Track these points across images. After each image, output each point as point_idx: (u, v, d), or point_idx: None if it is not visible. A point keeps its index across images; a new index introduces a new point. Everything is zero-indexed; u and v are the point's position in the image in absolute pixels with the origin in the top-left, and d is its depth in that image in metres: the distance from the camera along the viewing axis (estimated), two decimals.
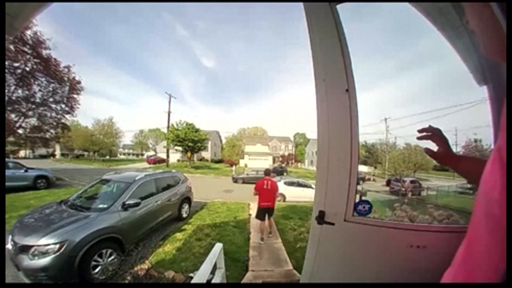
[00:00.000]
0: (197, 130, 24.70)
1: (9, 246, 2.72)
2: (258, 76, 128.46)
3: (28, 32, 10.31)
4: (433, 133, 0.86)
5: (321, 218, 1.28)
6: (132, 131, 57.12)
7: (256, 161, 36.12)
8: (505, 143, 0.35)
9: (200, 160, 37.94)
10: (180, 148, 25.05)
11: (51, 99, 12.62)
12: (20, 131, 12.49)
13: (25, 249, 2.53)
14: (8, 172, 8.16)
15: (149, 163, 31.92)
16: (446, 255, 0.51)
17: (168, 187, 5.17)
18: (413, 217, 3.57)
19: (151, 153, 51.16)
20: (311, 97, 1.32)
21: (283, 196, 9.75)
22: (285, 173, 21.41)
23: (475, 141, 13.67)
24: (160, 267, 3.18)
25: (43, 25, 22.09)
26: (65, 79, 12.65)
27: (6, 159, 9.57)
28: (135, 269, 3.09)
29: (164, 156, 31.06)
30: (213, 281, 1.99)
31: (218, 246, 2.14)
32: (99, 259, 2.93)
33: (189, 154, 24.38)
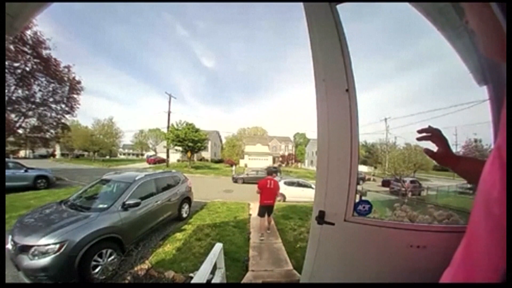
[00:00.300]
0: (197, 130, 24.70)
1: (9, 246, 2.72)
2: (258, 76, 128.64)
3: (28, 32, 10.31)
4: (432, 134, 0.86)
5: (321, 218, 1.28)
6: (132, 131, 57.24)
7: (256, 161, 36.14)
8: (505, 143, 0.35)
9: (200, 160, 37.95)
10: (180, 148, 25.06)
11: (51, 99, 12.62)
12: (20, 131, 12.49)
13: (25, 249, 2.53)
14: (8, 172, 8.16)
15: (149, 163, 31.92)
16: (446, 255, 0.50)
17: (168, 187, 5.17)
18: (413, 217, 3.57)
19: (151, 153, 51.17)
20: (311, 97, 1.32)
21: (283, 196, 9.75)
22: (278, 173, 21.30)
23: (475, 141, 13.67)
24: (160, 267, 3.18)
25: (43, 25, 22.11)
26: (65, 79, 12.65)
27: (6, 159, 9.57)
28: (135, 269, 3.09)
29: (164, 156, 31.06)
30: (213, 281, 1.99)
31: (218, 246, 2.14)
32: (99, 259, 2.93)
33: (189, 154, 24.39)
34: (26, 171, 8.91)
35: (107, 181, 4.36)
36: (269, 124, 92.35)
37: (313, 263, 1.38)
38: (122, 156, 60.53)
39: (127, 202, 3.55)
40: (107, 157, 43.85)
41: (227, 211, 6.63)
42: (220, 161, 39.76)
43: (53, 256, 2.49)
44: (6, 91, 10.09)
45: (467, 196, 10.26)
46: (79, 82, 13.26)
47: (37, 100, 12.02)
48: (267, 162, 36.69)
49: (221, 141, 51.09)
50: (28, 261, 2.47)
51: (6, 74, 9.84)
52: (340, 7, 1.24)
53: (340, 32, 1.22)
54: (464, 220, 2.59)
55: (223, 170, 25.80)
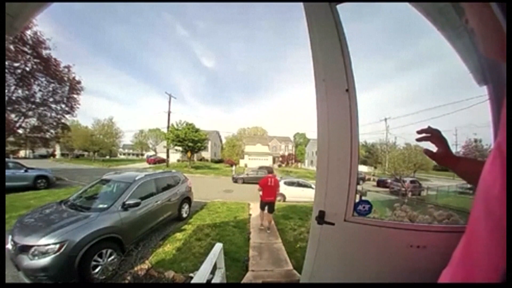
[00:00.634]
0: (197, 130, 24.69)
1: (9, 246, 2.71)
2: (258, 76, 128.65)
3: (28, 32, 10.30)
4: (432, 134, 0.86)
5: (321, 218, 1.28)
6: (132, 131, 57.20)
7: (256, 161, 36.12)
8: (505, 142, 0.35)
9: (200, 160, 37.94)
10: (180, 148, 25.04)
11: (51, 99, 12.61)
12: (20, 131, 12.48)
13: (25, 249, 2.53)
14: (8, 172, 8.15)
15: (149, 163, 31.90)
16: (446, 255, 0.51)
17: (168, 187, 5.16)
18: (413, 217, 3.58)
19: (151, 153, 51.15)
20: (311, 97, 1.32)
21: (283, 196, 9.75)
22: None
23: (475, 141, 13.67)
24: (160, 267, 3.18)
25: (43, 25, 22.12)
26: (65, 79, 12.64)
27: (6, 159, 9.56)
28: (135, 269, 3.09)
29: (164, 156, 31.05)
30: (213, 281, 1.99)
31: (218, 246, 2.14)
32: (99, 259, 2.93)
33: (189, 154, 24.38)
34: (26, 171, 8.91)
35: (107, 181, 4.36)
36: (269, 124, 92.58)
37: (313, 263, 1.38)
38: (122, 156, 60.50)
39: (127, 202, 3.55)
40: (107, 157, 43.83)
41: (227, 211, 6.63)
42: (220, 161, 39.74)
43: (53, 256, 2.49)
44: (6, 91, 10.08)
45: (467, 196, 10.26)
46: (79, 82, 13.26)
47: (37, 100, 12.01)
48: (267, 162, 36.67)
49: (221, 141, 51.07)
50: (28, 261, 2.46)
51: (6, 74, 9.83)
52: (340, 7, 1.24)
53: (340, 32, 1.22)
54: (464, 220, 2.59)
55: (223, 170, 25.80)
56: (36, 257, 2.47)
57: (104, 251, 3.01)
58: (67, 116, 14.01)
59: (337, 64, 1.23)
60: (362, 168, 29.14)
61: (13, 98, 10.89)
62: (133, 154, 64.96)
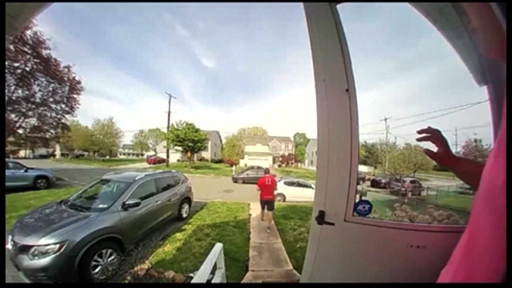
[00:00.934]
0: (197, 130, 24.68)
1: (9, 246, 2.71)
2: (258, 76, 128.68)
3: (28, 32, 10.29)
4: (432, 134, 0.86)
5: (321, 218, 1.28)
6: (132, 131, 57.13)
7: (256, 161, 36.09)
8: (505, 141, 0.35)
9: (200, 160, 37.93)
10: (180, 148, 25.03)
11: (51, 99, 12.60)
12: (20, 131, 12.47)
13: (25, 249, 2.53)
14: (8, 172, 8.15)
15: (149, 163, 31.89)
16: (446, 255, 0.50)
17: (168, 187, 5.17)
18: (413, 217, 3.58)
19: (151, 153, 51.14)
20: (311, 97, 1.32)
21: (283, 196, 9.75)
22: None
23: (475, 141, 13.68)
24: (160, 267, 3.18)
25: (43, 25, 22.13)
26: (65, 79, 12.63)
27: (6, 159, 9.56)
28: (135, 269, 3.09)
29: (164, 156, 31.04)
30: (213, 281, 1.99)
31: (218, 246, 2.14)
32: (99, 259, 2.93)
33: (189, 154, 24.37)
34: (26, 171, 8.90)
35: (107, 181, 4.36)
36: (269, 124, 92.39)
37: (313, 263, 1.38)
38: (122, 156, 60.51)
39: (127, 202, 3.55)
40: (107, 157, 43.83)
41: (227, 211, 6.63)
42: (220, 161, 39.73)
43: (53, 256, 2.49)
44: (6, 91, 10.08)
45: (467, 196, 10.27)
46: (79, 82, 13.25)
47: (37, 100, 12.00)
48: (267, 162, 36.69)
49: (221, 141, 51.06)
50: (28, 261, 2.46)
51: (6, 74, 9.83)
52: (340, 7, 1.24)
53: (340, 32, 1.22)
54: (464, 220, 2.60)
55: (223, 170, 25.79)
56: (36, 257, 2.47)
57: (104, 251, 3.01)
58: (67, 116, 14.01)
59: (337, 64, 1.23)
60: (362, 168, 29.13)
61: (13, 98, 10.89)
62: (133, 154, 64.93)
